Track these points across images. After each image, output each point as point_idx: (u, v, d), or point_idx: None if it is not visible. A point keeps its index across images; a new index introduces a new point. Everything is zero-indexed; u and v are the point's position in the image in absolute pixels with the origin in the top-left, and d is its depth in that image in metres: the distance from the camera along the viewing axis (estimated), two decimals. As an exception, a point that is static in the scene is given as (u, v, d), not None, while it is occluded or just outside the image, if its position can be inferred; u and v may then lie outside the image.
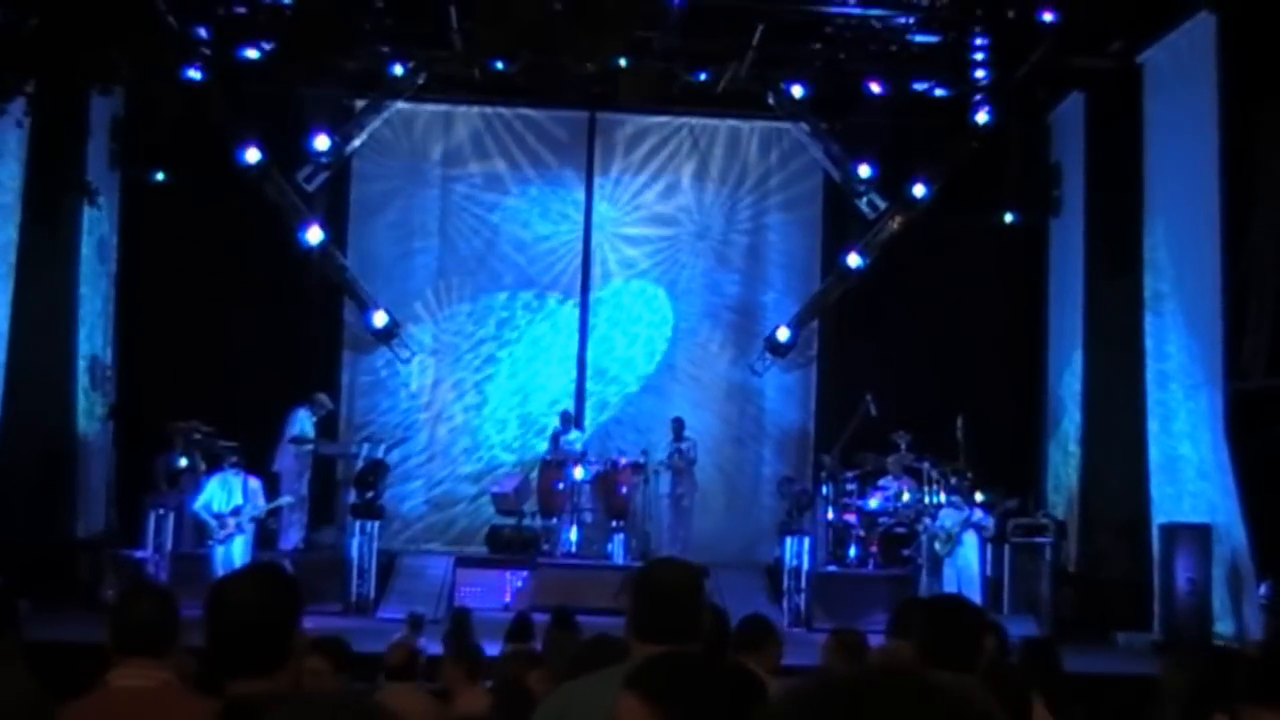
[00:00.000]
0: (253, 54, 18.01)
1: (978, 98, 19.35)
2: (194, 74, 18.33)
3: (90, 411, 18.46)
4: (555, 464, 18.87)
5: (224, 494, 15.62)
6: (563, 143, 20.86)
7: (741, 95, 19.91)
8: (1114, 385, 18.01)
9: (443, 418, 20.46)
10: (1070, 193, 19.75)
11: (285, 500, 17.17)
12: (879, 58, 18.70)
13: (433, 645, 12.29)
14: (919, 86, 19.30)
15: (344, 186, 20.38)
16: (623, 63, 18.37)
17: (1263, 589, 14.56)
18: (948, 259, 19.82)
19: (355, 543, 16.92)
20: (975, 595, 15.20)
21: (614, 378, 20.72)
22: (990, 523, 16.76)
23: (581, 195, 20.81)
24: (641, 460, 18.92)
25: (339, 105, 19.76)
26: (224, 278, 19.06)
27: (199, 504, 15.76)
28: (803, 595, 17.06)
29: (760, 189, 21.01)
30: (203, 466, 17.13)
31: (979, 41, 18.30)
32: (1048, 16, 17.22)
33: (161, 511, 16.53)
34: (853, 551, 18.31)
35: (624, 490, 18.66)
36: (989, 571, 16.81)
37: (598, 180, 20.82)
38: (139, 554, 16.41)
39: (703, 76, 19.42)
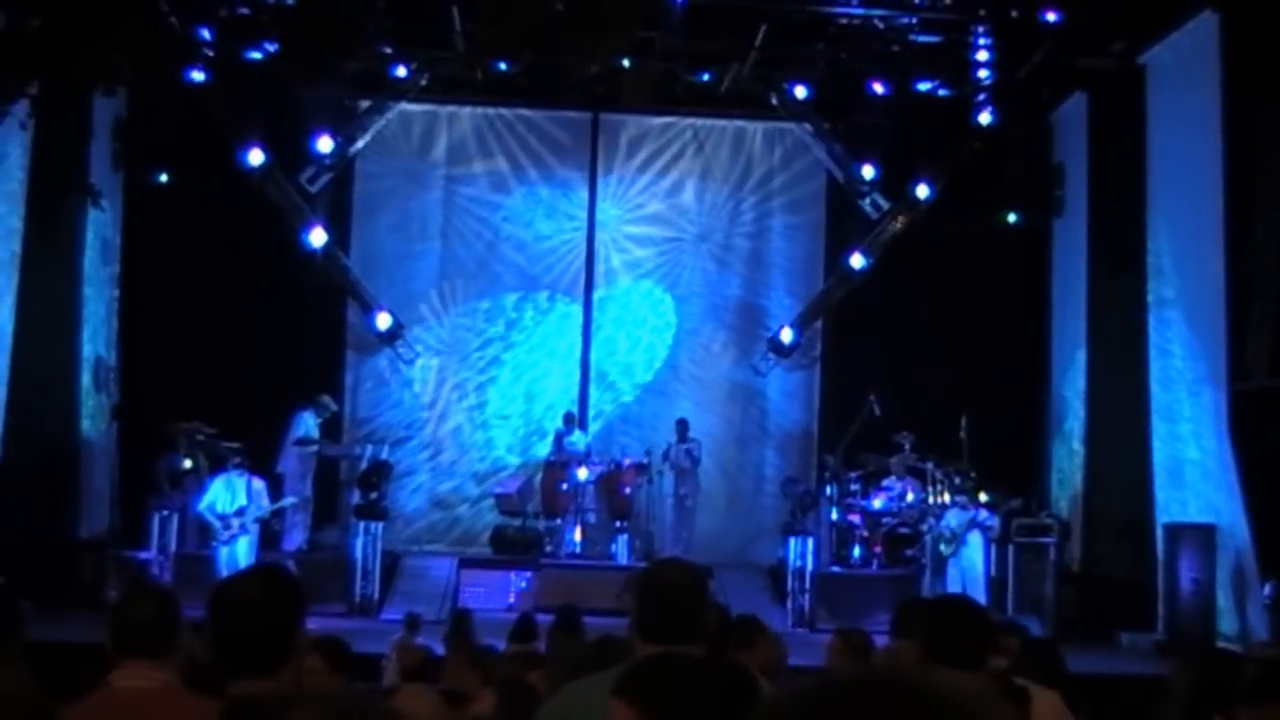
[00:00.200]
0: (255, 55, 18.02)
1: (980, 98, 19.36)
2: (197, 75, 18.36)
3: (94, 412, 18.47)
4: (559, 465, 18.87)
5: (228, 495, 15.62)
6: (565, 143, 20.86)
7: (744, 96, 19.90)
8: (1117, 385, 18.00)
9: (446, 418, 20.46)
10: (1073, 193, 19.73)
11: (289, 501, 17.17)
12: (882, 58, 18.69)
13: (433, 645, 12.32)
14: (922, 87, 19.29)
15: (347, 187, 20.38)
16: (625, 63, 18.38)
17: (1266, 589, 14.54)
18: (950, 259, 19.80)
19: (359, 543, 16.94)
20: (980, 595, 15.20)
21: (617, 378, 20.72)
22: (996, 523, 16.76)
23: (584, 196, 20.81)
24: (645, 461, 18.94)
25: (342, 106, 19.76)
26: (227, 279, 19.08)
27: (203, 505, 15.76)
28: (806, 596, 17.07)
29: (763, 189, 21.01)
30: (206, 467, 17.13)
31: (982, 41, 18.31)
32: (1050, 16, 17.23)
33: (165, 512, 16.55)
34: (856, 552, 18.34)
35: (627, 491, 18.67)
36: (993, 572, 16.81)
37: (600, 181, 20.82)
38: (142, 555, 16.43)
39: (705, 77, 19.42)
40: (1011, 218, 20.61)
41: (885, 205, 19.98)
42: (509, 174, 20.75)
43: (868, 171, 19.86)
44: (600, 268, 20.76)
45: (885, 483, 18.42)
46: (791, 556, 17.24)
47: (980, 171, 19.88)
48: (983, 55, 18.55)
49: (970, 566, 16.47)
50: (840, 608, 16.51)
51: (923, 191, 19.76)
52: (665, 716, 3.18)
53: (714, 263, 20.89)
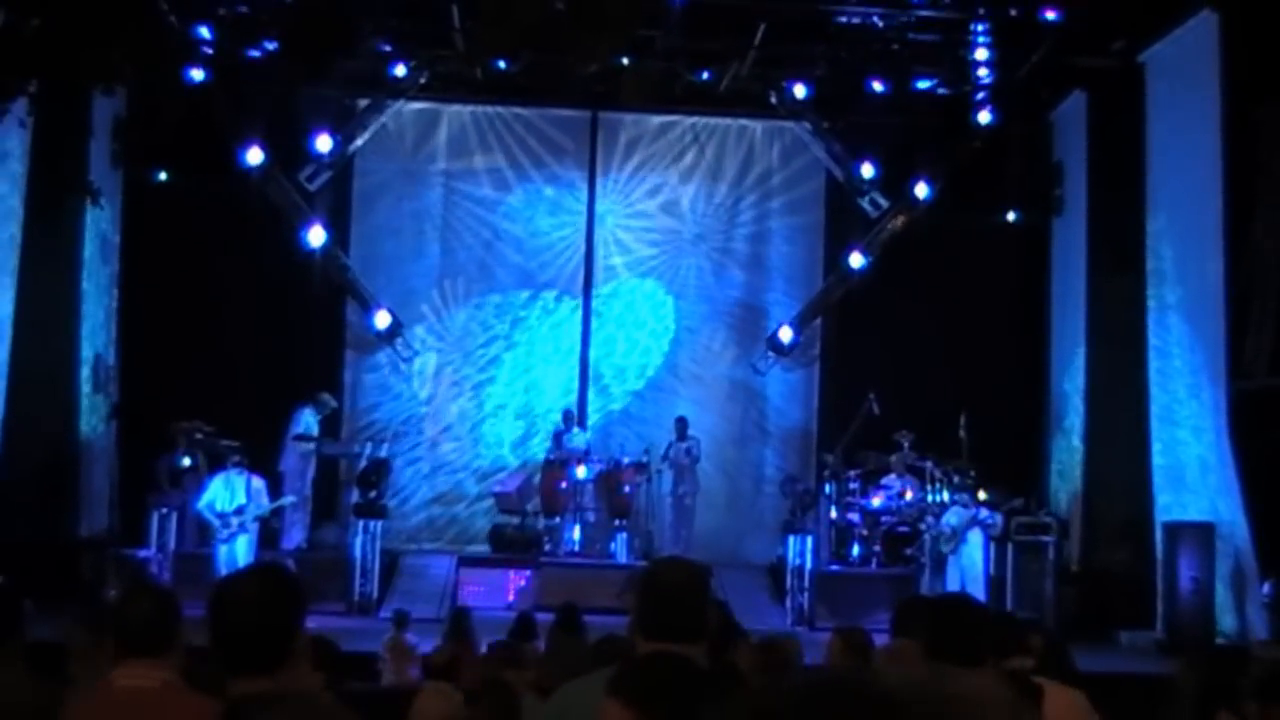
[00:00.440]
0: (255, 54, 18.01)
1: (980, 97, 19.36)
2: (196, 74, 18.35)
3: (93, 411, 18.46)
4: (558, 463, 18.88)
5: (227, 494, 15.63)
6: (565, 142, 20.85)
7: (744, 94, 19.91)
8: (1116, 384, 18.00)
9: (445, 417, 20.46)
10: (1072, 191, 19.73)
11: (288, 500, 17.18)
12: (881, 56, 18.68)
13: (429, 644, 12.34)
14: (921, 85, 19.29)
15: (346, 186, 20.37)
16: (625, 62, 18.37)
17: (1266, 588, 14.56)
18: (950, 258, 19.81)
19: (358, 542, 16.93)
20: (980, 594, 15.21)
21: (616, 377, 20.72)
22: (998, 521, 16.76)
23: (584, 194, 20.81)
24: (644, 459, 18.94)
25: (341, 105, 19.77)
26: (226, 277, 19.08)
27: (202, 504, 15.77)
28: (805, 594, 17.08)
29: (762, 188, 21.00)
30: (205, 466, 17.14)
31: (981, 40, 18.29)
32: (1050, 15, 17.22)
33: (164, 511, 16.55)
34: (855, 550, 18.35)
35: (627, 489, 18.67)
36: (992, 570, 16.81)
37: (600, 179, 20.82)
38: (142, 554, 16.43)
39: (705, 76, 19.42)
40: (1011, 216, 20.62)
41: (885, 204, 19.99)
42: (508, 173, 20.75)
43: (867, 170, 19.86)
44: (600, 266, 20.76)
45: (884, 481, 18.43)
46: (791, 555, 17.25)
47: (980, 170, 19.89)
48: (982, 54, 18.54)
49: (970, 565, 16.48)
50: (839, 606, 16.51)
51: (922, 190, 19.76)
52: (659, 716, 3.19)
53: (713, 261, 20.89)
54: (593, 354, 20.63)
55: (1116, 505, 17.92)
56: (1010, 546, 17.02)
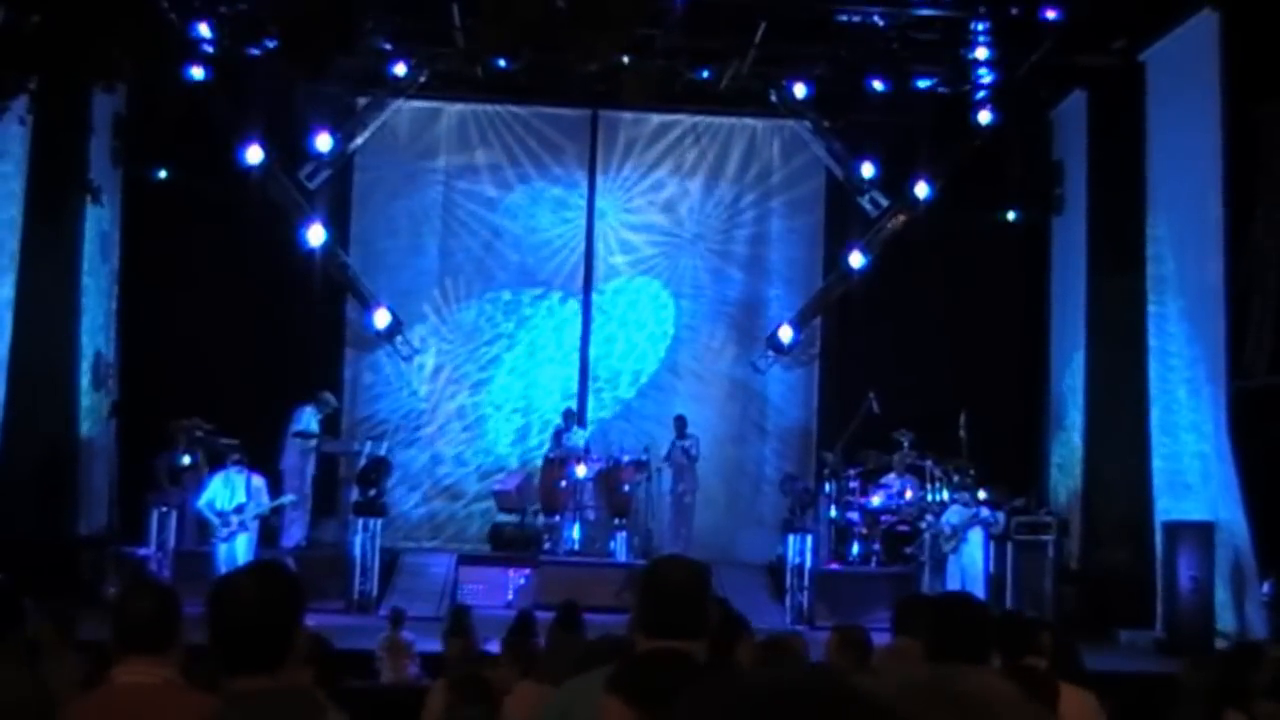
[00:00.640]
0: (255, 52, 18.00)
1: (980, 95, 19.35)
2: (196, 72, 18.35)
3: (93, 409, 18.47)
4: (558, 461, 18.88)
5: (227, 492, 15.62)
6: (565, 141, 20.86)
7: (744, 93, 19.91)
8: (1116, 383, 18.01)
9: (445, 415, 20.47)
10: (1072, 190, 19.74)
11: (288, 499, 17.17)
12: (881, 55, 18.67)
13: (428, 642, 12.34)
14: (921, 84, 19.28)
15: (346, 184, 20.38)
16: (625, 60, 18.36)
17: (1265, 587, 14.56)
18: (950, 257, 19.83)
19: (358, 540, 16.92)
20: (980, 593, 15.20)
21: (616, 375, 20.73)
22: (998, 520, 16.77)
23: (584, 193, 20.82)
24: (644, 458, 18.94)
25: (341, 103, 19.76)
26: (226, 275, 19.09)
27: (202, 502, 15.76)
28: (805, 593, 17.08)
29: (762, 186, 21.01)
30: (205, 464, 17.13)
31: (982, 39, 18.28)
32: (1050, 14, 17.20)
33: (164, 509, 16.55)
34: (855, 549, 18.36)
35: (626, 488, 18.67)
36: (992, 569, 16.81)
37: (600, 178, 20.83)
38: (142, 552, 16.42)
39: (705, 74, 19.42)
40: (1011, 215, 20.63)
41: (885, 203, 19.99)
42: (509, 171, 20.76)
43: (867, 169, 19.86)
44: (600, 265, 20.77)
45: (884, 480, 18.43)
46: (790, 554, 17.24)
47: (980, 169, 19.89)
48: (982, 53, 18.52)
49: (970, 564, 16.49)
50: (839, 605, 16.51)
51: (922, 189, 19.76)
52: (659, 713, 3.19)
53: (713, 260, 20.90)
54: (592, 352, 20.64)
55: (1116, 504, 17.93)
56: (1010, 545, 17.03)
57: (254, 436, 17.13)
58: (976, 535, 16.62)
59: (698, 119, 20.95)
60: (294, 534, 17.90)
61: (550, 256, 20.76)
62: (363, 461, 17.95)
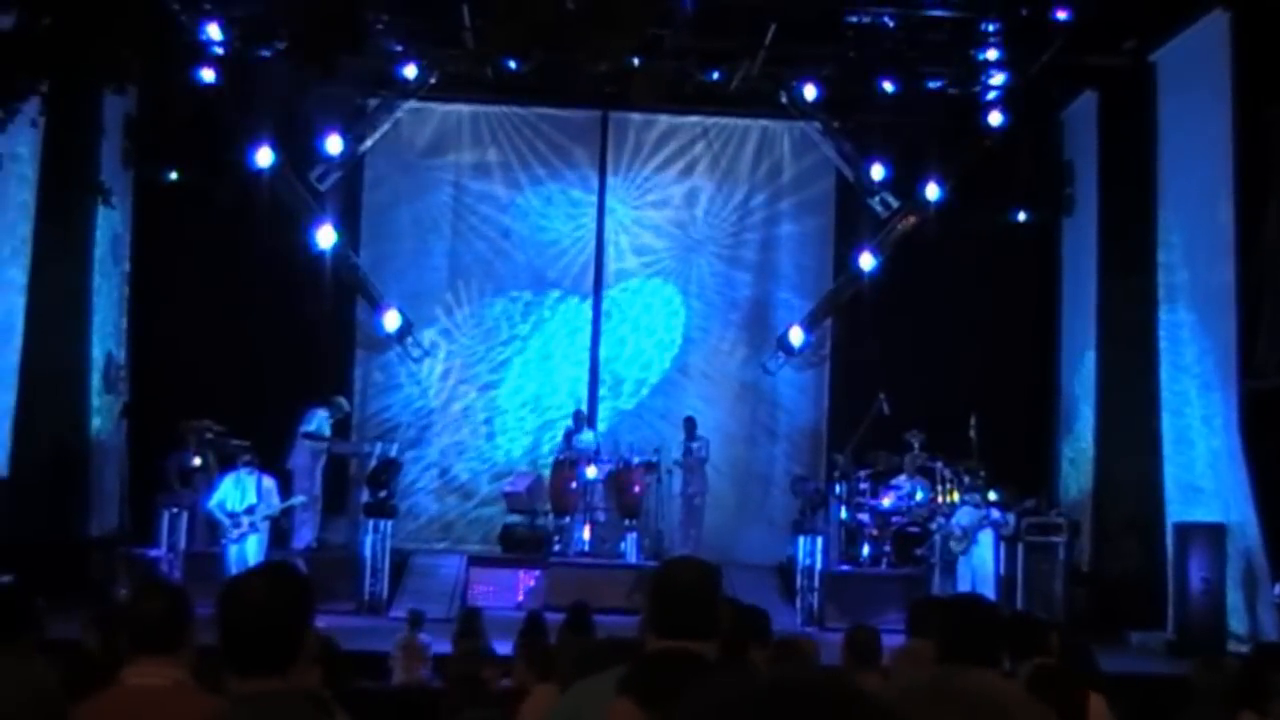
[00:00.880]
0: (265, 53, 18.02)
1: (990, 96, 19.32)
2: (206, 74, 18.36)
3: (104, 410, 18.50)
4: (568, 463, 18.88)
5: (237, 493, 15.64)
6: (575, 142, 20.86)
7: (754, 94, 19.90)
8: (1127, 384, 17.97)
9: (456, 417, 20.48)
10: (1083, 191, 19.72)
11: (298, 500, 17.16)
12: (891, 56, 18.65)
13: (438, 643, 12.33)
14: (932, 85, 19.26)
15: (357, 185, 20.41)
16: (635, 62, 18.37)
17: (1277, 588, 14.52)
18: (960, 258, 19.81)
19: (368, 541, 16.93)
20: (990, 594, 15.19)
21: (626, 376, 20.73)
22: (1009, 521, 16.75)
23: (594, 194, 20.83)
24: (654, 459, 18.94)
25: (351, 105, 19.78)
26: (237, 276, 19.12)
27: (212, 503, 15.78)
28: (815, 594, 17.06)
29: (772, 187, 21.00)
30: (216, 465, 17.15)
31: (992, 40, 18.26)
32: (1061, 15, 17.18)
33: (175, 510, 16.55)
34: (866, 551, 18.34)
35: (636, 489, 18.67)
36: (1002, 570, 16.79)
37: (610, 179, 20.83)
38: (152, 553, 16.44)
39: (715, 75, 19.41)
40: (1022, 216, 20.60)
41: (895, 204, 19.96)
42: (519, 172, 20.76)
43: (877, 170, 19.85)
44: (610, 266, 20.77)
45: (894, 481, 18.41)
46: (801, 555, 17.24)
47: (990, 170, 19.86)
48: (993, 53, 18.50)
49: (981, 565, 16.47)
50: (849, 606, 16.47)
51: (932, 190, 19.74)
52: (670, 714, 3.18)
53: (723, 261, 20.90)
54: (603, 354, 20.65)
55: (1127, 505, 17.90)
56: (1021, 547, 16.99)
57: (264, 438, 17.16)
58: (987, 537, 16.59)
59: (708, 120, 20.94)
60: (304, 535, 17.91)
61: (560, 258, 20.77)
62: (373, 463, 17.96)
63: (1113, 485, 18.32)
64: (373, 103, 19.89)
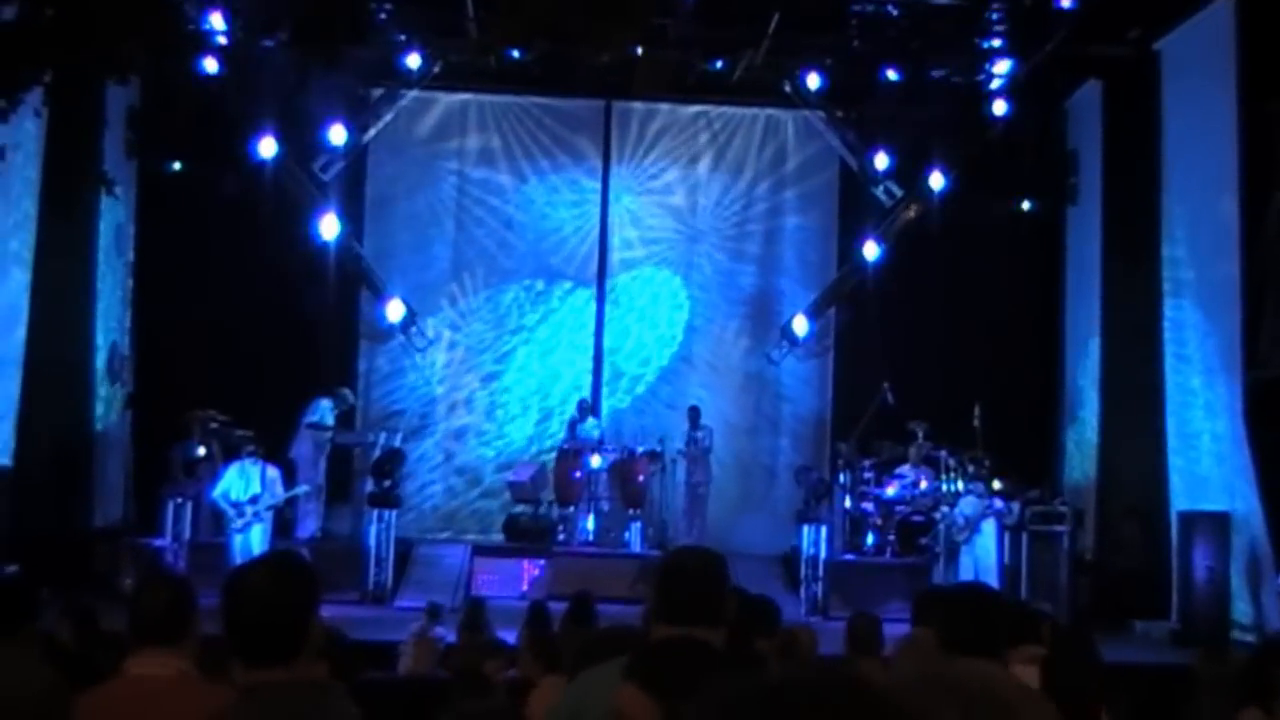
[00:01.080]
0: (268, 44, 18.01)
1: (995, 86, 19.29)
2: (209, 64, 18.35)
3: (108, 401, 18.52)
4: (572, 452, 18.88)
5: (242, 483, 15.65)
6: (578, 132, 20.84)
7: (757, 84, 19.87)
8: (1132, 373, 17.95)
9: (460, 406, 20.49)
10: (1087, 181, 19.69)
11: (301, 490, 17.17)
12: (895, 45, 18.63)
13: (448, 634, 12.33)
14: (936, 74, 19.23)
15: (360, 176, 20.40)
16: (638, 51, 18.35)
17: (1281, 577, 14.54)
18: (964, 247, 19.79)
19: (372, 531, 16.96)
20: (993, 583, 15.17)
21: (630, 366, 20.73)
22: (1012, 510, 16.75)
23: (597, 184, 20.81)
24: (658, 449, 18.94)
25: (355, 95, 19.75)
26: (240, 267, 19.10)
27: (216, 493, 15.79)
28: (820, 584, 17.06)
29: (776, 177, 20.98)
30: (220, 455, 17.17)
31: (996, 29, 18.22)
32: (1065, 3, 17.15)
33: (179, 501, 16.58)
34: (870, 540, 18.34)
35: (641, 479, 18.67)
36: (1006, 560, 16.79)
37: (613, 169, 20.81)
38: (157, 543, 16.47)
39: (718, 65, 19.39)
40: (1025, 205, 20.59)
41: (898, 193, 19.94)
42: (523, 162, 20.75)
43: (881, 160, 19.80)
44: (614, 256, 20.76)
45: (899, 471, 18.42)
46: (805, 544, 17.23)
47: (994, 159, 19.84)
48: (997, 43, 18.48)
49: (984, 555, 16.47)
50: (853, 596, 16.47)
51: (936, 179, 19.70)
52: (675, 700, 3.19)
53: (727, 251, 20.89)
54: (607, 343, 20.64)
55: (1131, 494, 17.88)
56: (1025, 536, 17.00)
57: (269, 428, 17.18)
58: (990, 526, 16.59)
59: (711, 110, 20.91)
60: (308, 526, 17.93)
61: (564, 248, 20.76)
62: (377, 453, 17.98)
63: (1117, 474, 18.30)
64: (376, 93, 19.87)
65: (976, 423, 17.74)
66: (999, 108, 19.43)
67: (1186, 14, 16.60)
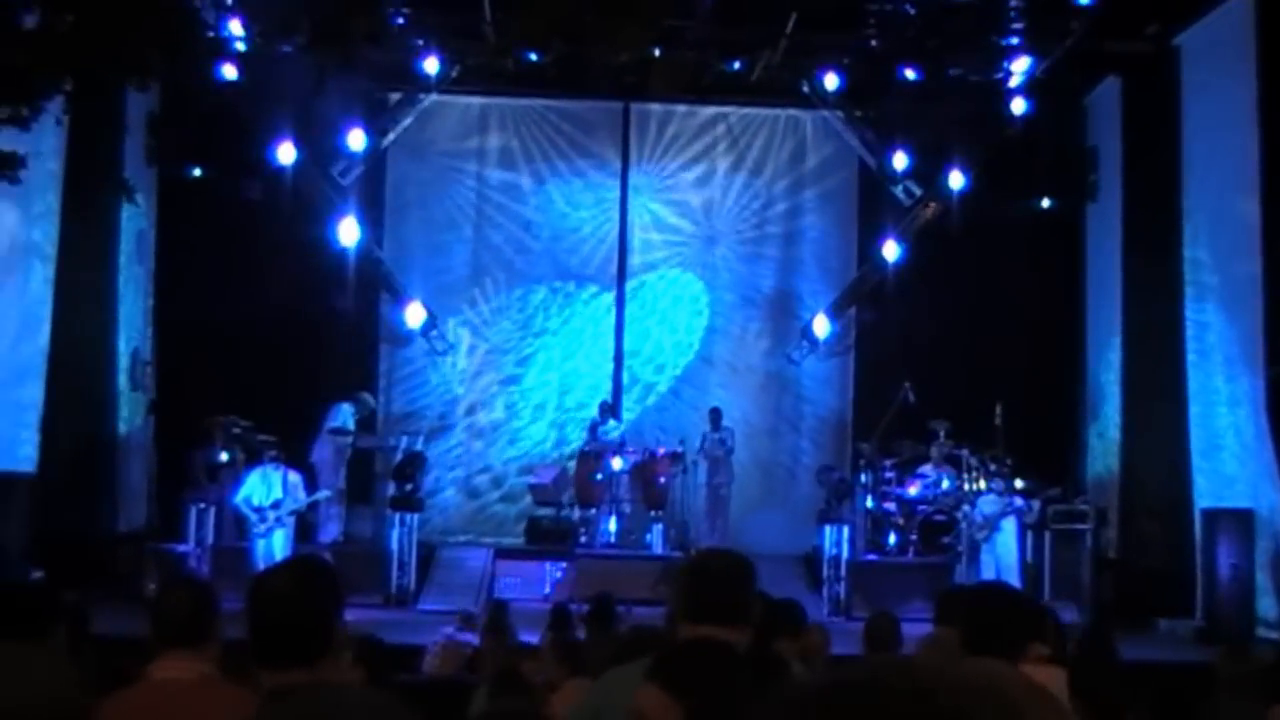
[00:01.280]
0: (286, 48, 18.04)
1: (1013, 83, 19.23)
2: (228, 70, 18.39)
3: (130, 407, 18.58)
4: (593, 455, 18.89)
5: (264, 488, 15.68)
6: (596, 134, 20.86)
7: (775, 84, 19.86)
8: (1153, 370, 17.89)
9: (481, 409, 20.52)
10: (1106, 178, 19.62)
11: (323, 494, 17.20)
12: (913, 44, 18.59)
13: (475, 640, 12.33)
14: (954, 72, 19.17)
15: (379, 180, 20.45)
16: (655, 52, 18.35)
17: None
18: (984, 245, 19.73)
19: (394, 535, 16.98)
20: (1014, 582, 15.13)
21: (650, 368, 20.73)
22: (1032, 508, 16.70)
23: (616, 186, 20.82)
24: (679, 450, 18.93)
25: (373, 99, 19.80)
26: (260, 272, 19.15)
27: (239, 498, 15.83)
28: (842, 584, 17.04)
29: (794, 177, 20.97)
30: (242, 460, 17.22)
31: (1014, 26, 18.17)
32: (1083, -1, 17.11)
33: (202, 506, 16.63)
34: (892, 540, 18.31)
35: (662, 480, 18.67)
36: (1029, 558, 16.76)
37: (632, 170, 20.83)
38: (180, 548, 16.52)
39: (736, 65, 19.38)
40: (1045, 203, 20.52)
41: (917, 192, 19.91)
42: (541, 165, 20.78)
43: (900, 159, 19.76)
44: (634, 258, 20.77)
45: (920, 470, 18.39)
46: (827, 545, 17.22)
47: (1013, 157, 19.78)
48: (1015, 40, 18.43)
49: (1005, 553, 16.42)
50: (876, 596, 16.43)
51: (955, 178, 19.65)
52: (697, 702, 3.19)
53: (746, 251, 20.89)
54: (627, 345, 20.66)
55: (1154, 492, 17.81)
56: (1047, 535, 16.97)
57: (290, 433, 17.23)
58: (1010, 525, 16.54)
59: (729, 110, 20.91)
60: (330, 530, 17.97)
61: (583, 250, 20.78)
62: (398, 456, 18.00)
63: (1140, 472, 18.23)
64: (394, 97, 19.91)
65: (998, 421, 17.69)
66: (1018, 105, 19.36)
67: (1205, 8, 16.53)
